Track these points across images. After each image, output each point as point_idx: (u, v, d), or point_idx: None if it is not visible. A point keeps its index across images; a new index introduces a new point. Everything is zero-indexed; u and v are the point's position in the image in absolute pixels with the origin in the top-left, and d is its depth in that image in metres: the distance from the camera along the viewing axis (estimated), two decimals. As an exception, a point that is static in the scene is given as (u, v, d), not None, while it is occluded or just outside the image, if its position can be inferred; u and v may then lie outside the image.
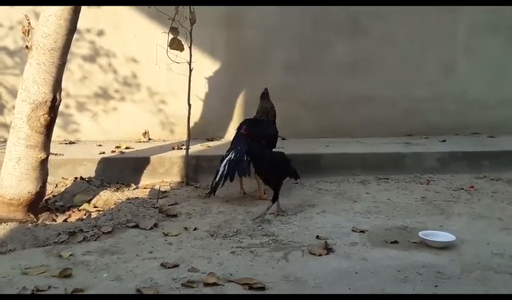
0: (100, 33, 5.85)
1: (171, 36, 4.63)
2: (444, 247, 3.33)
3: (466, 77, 6.73)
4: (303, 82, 6.37)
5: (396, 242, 3.43)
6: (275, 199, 3.96)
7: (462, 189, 4.80)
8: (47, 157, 3.85)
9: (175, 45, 4.64)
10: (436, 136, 6.35)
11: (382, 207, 4.21)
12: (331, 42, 6.43)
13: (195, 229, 3.66)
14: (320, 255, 3.20)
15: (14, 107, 3.93)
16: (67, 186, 4.45)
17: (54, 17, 3.61)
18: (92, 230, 3.51)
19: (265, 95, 4.72)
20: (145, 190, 4.59)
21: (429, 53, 6.63)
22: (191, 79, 4.78)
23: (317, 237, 3.47)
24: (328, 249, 3.26)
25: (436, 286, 2.79)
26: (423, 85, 6.64)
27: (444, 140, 6.16)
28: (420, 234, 3.43)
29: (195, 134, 5.48)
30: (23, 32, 3.76)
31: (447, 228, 3.66)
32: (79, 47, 5.74)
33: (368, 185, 4.91)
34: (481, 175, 5.25)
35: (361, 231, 3.63)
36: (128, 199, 4.16)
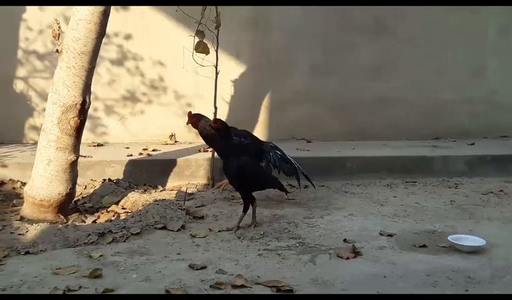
0: (128, 37, 5.92)
1: (197, 39, 4.66)
2: (474, 251, 3.29)
3: (495, 78, 6.63)
4: (328, 84, 6.35)
5: (424, 246, 3.40)
6: (245, 209, 3.77)
7: (492, 192, 4.73)
8: (77, 159, 3.91)
9: (201, 48, 4.67)
10: (464, 139, 6.27)
11: (410, 210, 4.18)
12: (356, 44, 6.40)
13: (221, 231, 3.67)
14: (348, 258, 3.19)
15: (44, 110, 4.01)
16: (96, 188, 4.51)
17: (83, 21, 3.66)
18: (121, 231, 3.55)
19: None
20: (171, 192, 4.63)
21: (456, 54, 6.55)
22: (217, 82, 4.81)
23: (344, 240, 3.46)
24: (356, 253, 3.24)
25: (467, 291, 2.76)
26: (450, 87, 6.56)
27: (473, 143, 6.07)
28: (449, 238, 3.40)
29: (221, 136, 5.50)
30: (53, 36, 3.81)
31: (476, 232, 3.61)
32: (107, 51, 5.81)
33: (395, 188, 4.87)
34: (510, 178, 5.16)
35: (389, 235, 3.60)
36: (156, 200, 4.20)
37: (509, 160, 5.42)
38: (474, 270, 3.00)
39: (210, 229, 3.70)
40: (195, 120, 4.54)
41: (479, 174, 5.28)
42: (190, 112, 4.57)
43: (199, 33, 4.65)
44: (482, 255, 3.24)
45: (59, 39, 3.78)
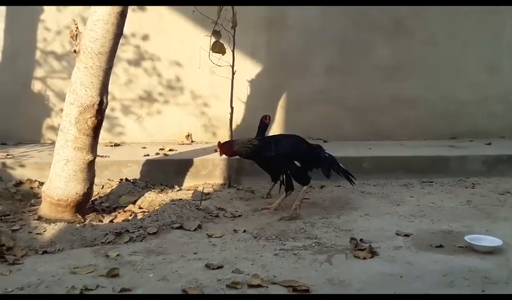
0: (145, 37, 5.96)
1: (213, 39, 4.68)
2: (491, 251, 3.27)
3: (512, 78, 6.57)
4: (344, 85, 6.33)
5: (441, 246, 3.38)
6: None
7: (509, 192, 4.68)
8: (94, 159, 3.95)
9: (217, 48, 4.69)
10: (481, 139, 6.21)
11: (426, 210, 4.16)
12: (372, 44, 6.36)
13: (238, 231, 3.68)
14: (364, 258, 3.18)
15: (61, 110, 4.05)
16: (113, 187, 4.55)
17: (101, 22, 3.70)
18: (138, 231, 3.57)
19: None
20: (188, 192, 4.65)
21: (473, 54, 6.49)
22: (233, 82, 4.82)
23: (361, 240, 3.45)
24: (373, 253, 3.24)
25: (483, 291, 2.74)
26: (467, 87, 6.51)
27: (490, 143, 6.02)
28: (466, 238, 3.38)
29: (236, 136, 5.49)
30: (71, 37, 3.85)
31: (493, 232, 3.58)
32: (124, 51, 5.85)
33: (411, 188, 4.85)
34: (528, 178, 5.12)
35: (405, 235, 3.59)
36: (172, 200, 4.22)
37: (527, 160, 5.36)
38: (491, 271, 2.99)
39: (228, 229, 3.71)
40: (227, 147, 4.33)
41: (496, 173, 5.24)
42: (219, 142, 4.37)
43: (215, 33, 4.67)
44: (499, 256, 3.22)
45: (76, 39, 3.81)
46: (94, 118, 3.79)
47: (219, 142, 4.37)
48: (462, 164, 5.32)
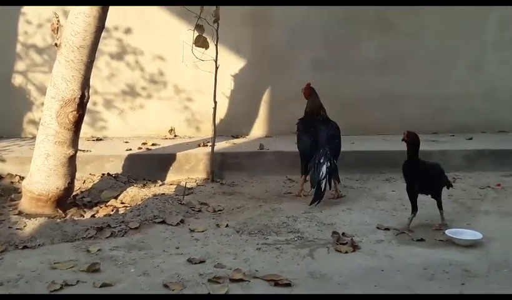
0: (128, 31, 5.92)
1: (196, 33, 4.65)
2: (471, 245, 3.30)
3: (495, 74, 6.61)
4: (331, 80, 6.31)
5: (422, 240, 3.41)
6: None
7: (489, 187, 4.73)
8: (75, 154, 3.92)
9: (201, 42, 4.66)
10: (463, 134, 6.26)
11: (408, 205, 4.15)
12: (359, 40, 6.37)
13: (220, 225, 3.68)
14: (346, 252, 3.20)
15: (42, 104, 4.01)
16: (95, 182, 4.52)
17: (82, 15, 3.67)
18: (120, 225, 3.56)
19: (313, 90, 4.59)
20: (171, 186, 4.63)
21: (458, 51, 6.53)
22: (217, 77, 4.81)
23: (343, 234, 3.47)
24: (354, 246, 3.26)
25: (463, 284, 2.77)
26: (451, 83, 6.55)
27: (471, 138, 6.07)
28: (447, 232, 3.41)
29: (220, 131, 5.51)
30: (52, 30, 3.81)
31: (474, 226, 3.62)
32: (107, 45, 5.81)
33: (393, 183, 4.88)
34: (508, 173, 5.16)
35: (386, 229, 3.61)
36: (155, 195, 4.21)
37: (507, 155, 5.42)
38: (471, 264, 3.02)
39: (211, 224, 3.70)
40: (309, 92, 4.56)
41: (477, 168, 5.28)
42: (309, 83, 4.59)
43: (198, 27, 4.64)
44: (479, 249, 3.25)
45: (57, 32, 3.78)
46: (75, 112, 3.77)
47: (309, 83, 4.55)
48: (443, 159, 5.33)
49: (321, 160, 4.13)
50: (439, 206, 3.68)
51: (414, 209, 3.63)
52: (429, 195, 3.71)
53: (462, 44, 6.53)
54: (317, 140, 4.27)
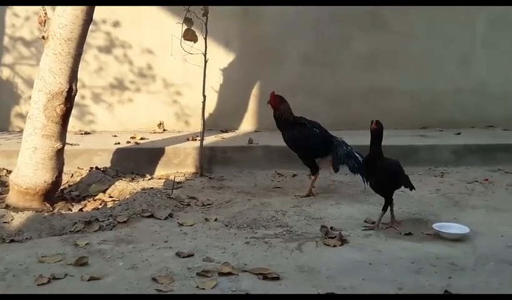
0: (116, 24, 5.88)
1: (185, 27, 4.63)
2: (458, 239, 3.32)
3: (484, 70, 6.64)
4: (320, 75, 6.33)
5: (410, 234, 3.42)
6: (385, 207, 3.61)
7: (477, 181, 4.76)
8: (63, 147, 3.90)
9: (189, 36, 4.65)
10: (452, 129, 6.30)
11: (396, 199, 4.15)
12: (349, 35, 6.38)
13: (209, 220, 3.68)
14: (334, 246, 3.21)
15: (30, 98, 3.98)
16: (83, 176, 4.49)
17: (70, 7, 3.64)
18: (108, 219, 3.54)
19: (281, 97, 4.46)
20: (159, 180, 4.62)
21: (447, 46, 6.55)
22: (206, 71, 4.80)
23: (331, 228, 3.47)
24: (342, 240, 3.27)
25: (450, 278, 2.79)
26: (440, 79, 6.57)
27: (459, 133, 6.11)
28: (434, 226, 3.43)
29: (209, 125, 5.50)
30: (39, 23, 3.78)
31: (461, 220, 3.64)
32: (95, 38, 5.78)
33: (382, 177, 4.89)
34: (495, 168, 5.20)
35: (373, 223, 3.62)
36: (144, 189, 4.19)
37: (495, 150, 5.46)
38: (458, 258, 3.04)
39: (200, 218, 3.70)
40: (278, 101, 4.40)
41: (465, 163, 5.31)
42: (273, 92, 4.42)
43: (187, 20, 4.63)
44: (466, 243, 3.27)
45: (45, 25, 3.75)
46: (63, 105, 3.74)
47: (273, 92, 4.42)
48: (431, 153, 5.40)
49: (350, 148, 4.28)
50: (387, 206, 3.57)
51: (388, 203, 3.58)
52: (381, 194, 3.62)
53: (452, 40, 6.55)
54: (324, 134, 4.34)
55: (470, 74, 6.63)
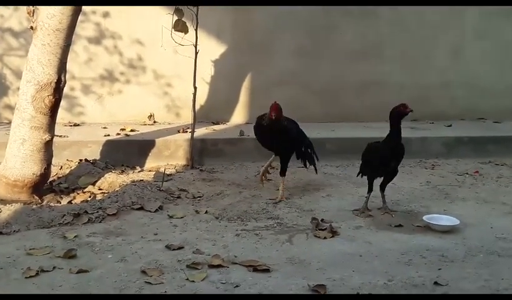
0: (106, 14, 5.81)
1: (175, 18, 4.59)
2: (448, 231, 3.33)
3: (475, 62, 6.63)
4: (312, 67, 6.30)
5: (400, 225, 3.44)
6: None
7: (467, 173, 4.78)
8: (52, 139, 3.86)
9: (180, 26, 4.61)
10: (442, 121, 6.30)
11: (387, 191, 4.18)
12: (341, 27, 6.34)
13: (200, 212, 3.66)
14: (325, 238, 3.21)
15: (18, 89, 3.93)
16: (72, 168, 4.46)
17: (59, -3, 3.59)
18: (97, 212, 3.52)
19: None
20: (150, 173, 4.59)
21: (439, 38, 6.54)
22: (197, 62, 4.76)
23: (322, 220, 3.48)
24: (333, 232, 3.27)
25: (440, 269, 2.80)
26: (432, 71, 6.56)
27: (450, 125, 6.12)
28: (424, 217, 3.44)
29: (200, 117, 5.47)
30: (28, 13, 3.74)
31: (451, 212, 3.66)
32: (84, 29, 5.71)
33: (373, 169, 4.89)
34: (485, 160, 5.22)
35: (355, 209, 3.65)
36: (133, 181, 4.16)
37: (485, 142, 5.48)
38: (448, 249, 3.05)
39: (190, 211, 3.68)
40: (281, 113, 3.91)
41: (455, 155, 5.33)
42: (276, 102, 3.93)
43: (178, 11, 4.59)
44: (456, 235, 3.28)
45: (33, 15, 3.70)
46: (52, 96, 3.70)
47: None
48: (422, 146, 5.40)
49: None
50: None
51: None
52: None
53: (444, 32, 6.55)
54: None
55: (460, 66, 6.62)
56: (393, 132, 3.66)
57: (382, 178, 3.76)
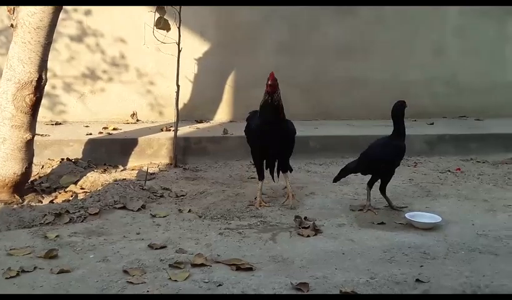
0: (88, 12, 5.78)
1: (158, 15, 4.57)
2: (430, 228, 3.35)
3: (456, 60, 6.70)
4: (295, 64, 6.31)
5: (383, 223, 3.45)
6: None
7: (449, 171, 4.82)
8: (33, 138, 3.82)
9: (162, 24, 4.59)
10: (425, 119, 6.35)
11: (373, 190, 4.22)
12: (323, 24, 6.37)
13: (183, 211, 3.65)
14: (308, 236, 3.21)
15: (-2, 87, 3.88)
16: (54, 167, 4.42)
17: (39, -6, 3.55)
18: (79, 211, 3.49)
19: None
20: (132, 172, 4.57)
21: (420, 36, 6.59)
22: (180, 60, 4.74)
23: (305, 218, 3.47)
24: (316, 230, 3.27)
25: (422, 266, 2.81)
26: (413, 68, 6.62)
27: (432, 123, 6.17)
28: (406, 215, 3.46)
29: (184, 115, 5.45)
30: (8, 10, 3.71)
31: (433, 209, 3.68)
32: (66, 27, 5.67)
33: (356, 167, 4.91)
34: (467, 157, 5.27)
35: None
36: (116, 180, 4.14)
37: (467, 139, 5.53)
38: (430, 246, 3.06)
39: (173, 209, 3.66)
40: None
41: (437, 152, 5.38)
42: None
43: (160, 9, 4.56)
44: (438, 232, 3.30)
45: (14, 13, 3.67)
46: (32, 95, 3.67)
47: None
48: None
49: None
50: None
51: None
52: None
53: (425, 30, 6.59)
54: None
55: (442, 63, 6.68)
56: (401, 128, 3.85)
57: (379, 178, 3.73)
